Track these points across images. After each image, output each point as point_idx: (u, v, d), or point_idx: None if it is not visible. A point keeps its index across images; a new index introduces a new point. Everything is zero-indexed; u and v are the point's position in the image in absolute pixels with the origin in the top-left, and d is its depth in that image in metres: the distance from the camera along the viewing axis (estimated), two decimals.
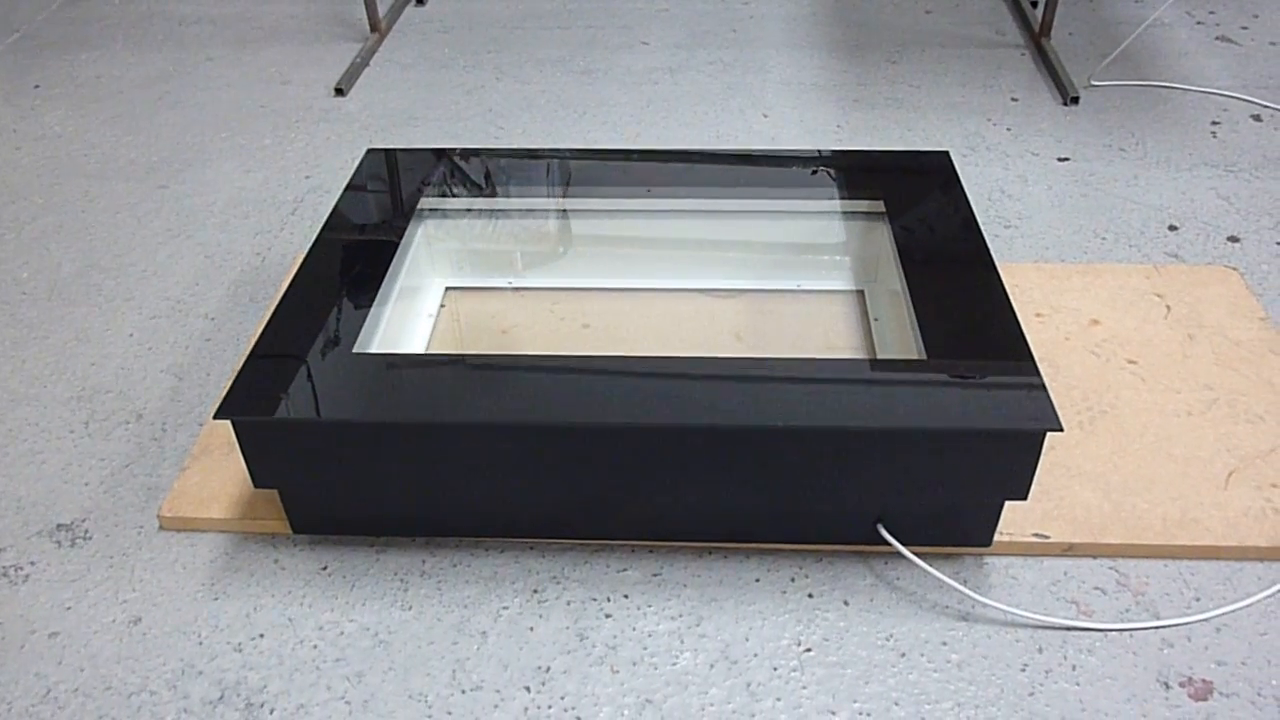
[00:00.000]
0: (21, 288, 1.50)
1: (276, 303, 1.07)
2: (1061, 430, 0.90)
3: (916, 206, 1.21)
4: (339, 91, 2.04)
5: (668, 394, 0.95)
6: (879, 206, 1.25)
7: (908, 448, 0.93)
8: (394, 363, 1.00)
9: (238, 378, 0.98)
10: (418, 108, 1.99)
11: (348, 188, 1.27)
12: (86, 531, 1.10)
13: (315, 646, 0.97)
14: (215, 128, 1.94)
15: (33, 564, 1.07)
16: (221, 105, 2.02)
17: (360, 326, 1.05)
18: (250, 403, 0.96)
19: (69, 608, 1.02)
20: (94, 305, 1.46)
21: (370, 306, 1.08)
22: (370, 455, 0.97)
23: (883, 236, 1.26)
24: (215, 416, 0.94)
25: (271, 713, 0.92)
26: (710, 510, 1.03)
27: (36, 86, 2.12)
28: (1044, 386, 0.94)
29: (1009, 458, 0.94)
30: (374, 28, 2.28)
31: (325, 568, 1.05)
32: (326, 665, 0.96)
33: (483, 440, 0.96)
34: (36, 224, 1.66)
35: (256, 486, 1.01)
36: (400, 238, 1.19)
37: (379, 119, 1.95)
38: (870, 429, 0.92)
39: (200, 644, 0.98)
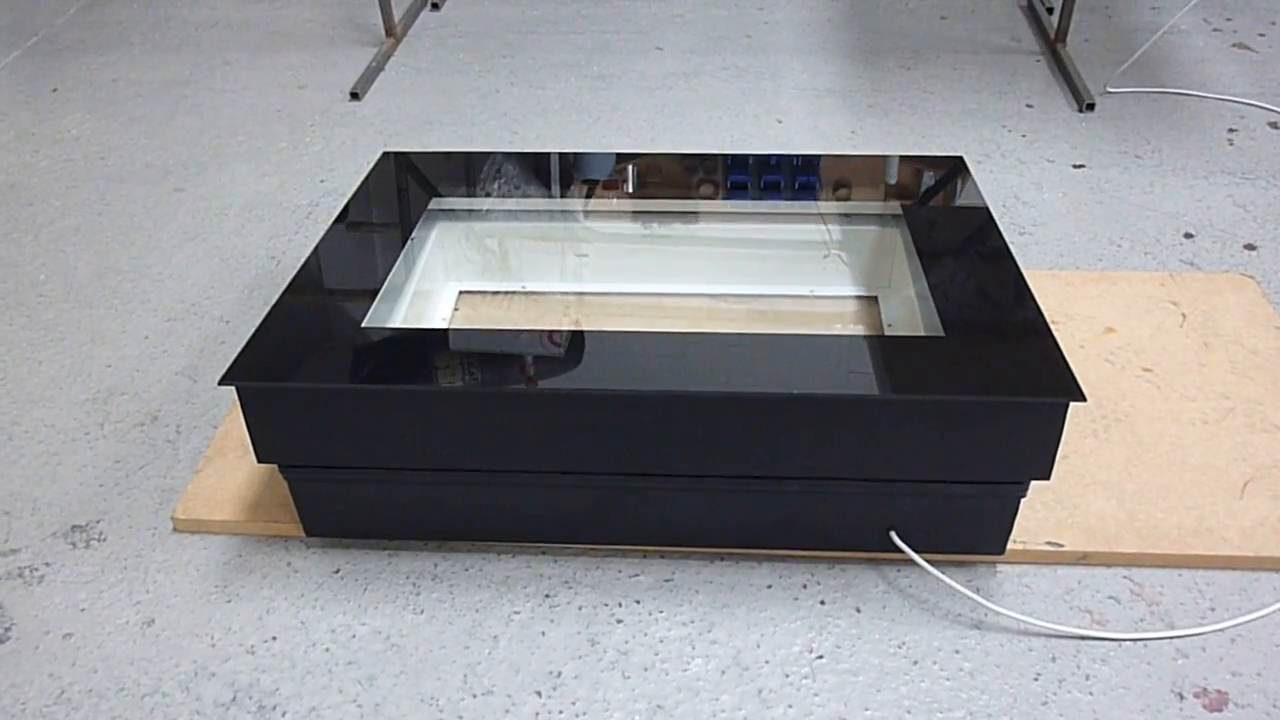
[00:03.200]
0: (39, 290, 1.51)
1: (276, 299, 1.06)
2: (1085, 400, 0.89)
3: (933, 210, 1.21)
4: (354, 96, 2.05)
5: (684, 364, 0.94)
6: (893, 210, 1.25)
7: (927, 421, 0.92)
8: (405, 335, 0.99)
9: (244, 349, 0.97)
10: (433, 112, 1.99)
11: (360, 189, 1.27)
12: (101, 533, 1.11)
13: (327, 649, 0.97)
14: (231, 131, 1.95)
15: (48, 565, 1.07)
16: (238, 109, 2.03)
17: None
18: (255, 370, 0.95)
19: (83, 609, 1.02)
20: (110, 308, 1.47)
21: (372, 307, 1.07)
22: (378, 427, 0.96)
23: (896, 241, 1.26)
24: (220, 383, 0.93)
25: (284, 715, 0.92)
26: (723, 510, 1.02)
27: (54, 90, 2.13)
28: (1065, 361, 0.93)
29: (1031, 432, 0.92)
30: (389, 33, 2.29)
31: (338, 571, 1.05)
32: (338, 668, 0.96)
33: (491, 409, 0.94)
34: (54, 227, 1.67)
35: (260, 461, 0.99)
36: (413, 240, 1.19)
37: (394, 123, 1.95)
38: (889, 400, 0.91)
39: (213, 646, 0.98)
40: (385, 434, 0.97)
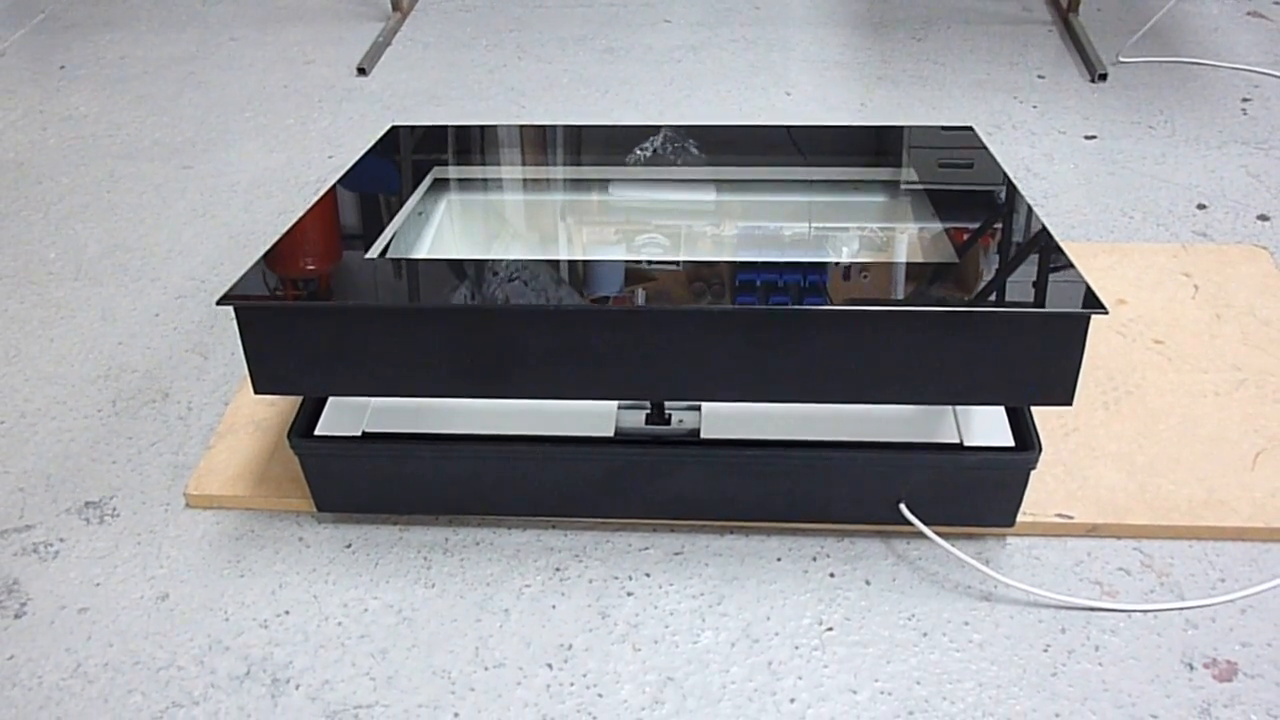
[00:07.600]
0: (49, 268, 1.52)
1: (262, 254, 1.03)
2: (1106, 313, 0.88)
3: (945, 177, 1.20)
4: (361, 71, 2.04)
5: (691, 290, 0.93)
6: (901, 179, 1.24)
7: (944, 338, 0.90)
8: (414, 262, 0.97)
9: (243, 276, 0.95)
10: (440, 87, 1.98)
11: (362, 158, 1.25)
12: (114, 509, 1.11)
13: (340, 623, 0.98)
14: (239, 108, 1.95)
15: (62, 540, 1.08)
16: (245, 85, 2.03)
17: None
18: (256, 292, 0.93)
19: (98, 584, 1.03)
20: (120, 285, 1.47)
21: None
22: (381, 350, 0.93)
23: (906, 211, 1.25)
24: (218, 304, 0.91)
25: (297, 688, 0.93)
26: (733, 483, 1.02)
27: (62, 67, 2.13)
28: (1085, 280, 0.91)
29: (1052, 348, 0.90)
30: (396, 7, 2.27)
31: (349, 545, 1.06)
32: (351, 642, 0.96)
33: (502, 327, 0.92)
34: (63, 204, 1.67)
35: (258, 392, 0.96)
36: (420, 214, 1.19)
37: (401, 98, 1.95)
38: (907, 313, 0.89)
39: (227, 620, 0.99)
40: (389, 358, 0.94)
